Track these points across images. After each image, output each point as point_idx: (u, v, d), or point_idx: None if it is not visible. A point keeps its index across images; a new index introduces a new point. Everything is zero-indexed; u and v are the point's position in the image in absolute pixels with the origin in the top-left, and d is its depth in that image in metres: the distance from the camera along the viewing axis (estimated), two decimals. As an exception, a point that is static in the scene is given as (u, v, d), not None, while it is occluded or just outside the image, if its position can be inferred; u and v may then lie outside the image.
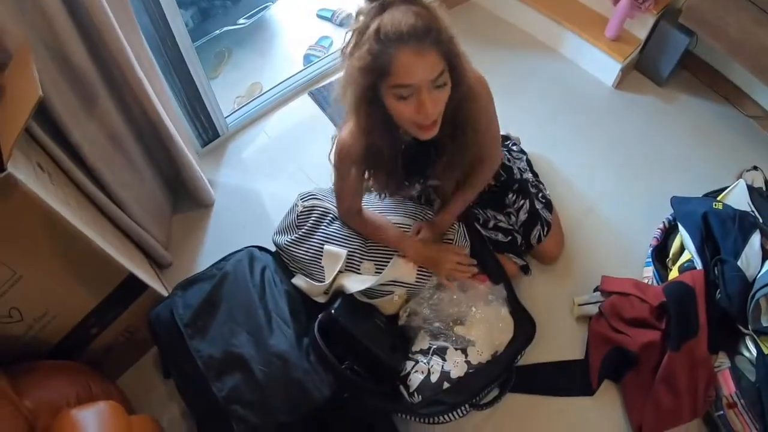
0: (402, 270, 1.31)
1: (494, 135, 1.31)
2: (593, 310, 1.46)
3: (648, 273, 1.52)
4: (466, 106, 1.09)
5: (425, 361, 1.26)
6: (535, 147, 1.90)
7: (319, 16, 2.54)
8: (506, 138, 1.80)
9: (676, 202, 1.51)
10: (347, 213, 1.35)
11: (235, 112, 2.03)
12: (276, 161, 1.93)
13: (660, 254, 1.54)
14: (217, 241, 1.71)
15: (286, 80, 2.14)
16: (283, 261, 1.43)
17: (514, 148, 1.75)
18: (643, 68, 2.13)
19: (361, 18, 0.94)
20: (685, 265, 1.37)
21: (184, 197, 1.79)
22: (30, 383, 1.04)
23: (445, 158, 1.23)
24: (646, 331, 1.30)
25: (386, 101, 0.98)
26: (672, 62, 1.98)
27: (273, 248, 1.48)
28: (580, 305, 1.51)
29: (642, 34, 2.01)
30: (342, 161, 1.18)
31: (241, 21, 2.30)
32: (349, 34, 0.97)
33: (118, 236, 1.38)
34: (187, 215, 1.78)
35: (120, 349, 1.38)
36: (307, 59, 2.29)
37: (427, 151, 1.23)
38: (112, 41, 1.19)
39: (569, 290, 1.57)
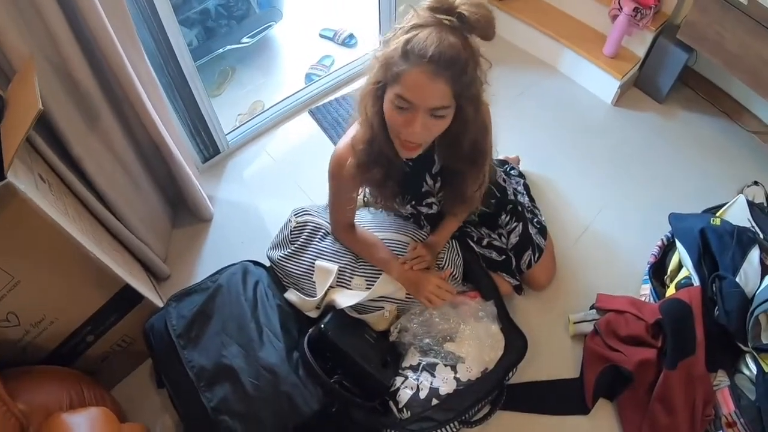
0: (391, 286, 1.31)
1: (489, 161, 1.31)
2: (589, 328, 1.45)
3: (645, 291, 1.50)
4: (471, 146, 1.10)
5: (415, 377, 1.25)
6: (533, 164, 1.91)
7: (322, 36, 2.59)
8: (503, 162, 1.81)
9: (674, 218, 1.50)
10: (339, 227, 1.36)
11: (235, 129, 2.07)
12: (275, 178, 1.95)
13: (658, 272, 1.52)
14: (215, 255, 1.72)
15: (286, 98, 2.18)
16: (277, 276, 1.44)
17: (513, 172, 1.76)
18: (643, 85, 2.13)
19: (414, 18, 0.93)
20: (683, 282, 1.36)
21: (184, 212, 1.82)
22: (24, 386, 1.05)
23: (442, 183, 1.25)
24: (642, 349, 1.28)
25: (384, 104, 0.99)
26: (671, 78, 1.98)
27: (268, 263, 1.49)
28: (575, 323, 1.49)
29: (641, 51, 2.02)
30: (337, 172, 1.19)
31: (245, 40, 2.36)
32: (397, 27, 0.96)
33: (116, 248, 1.40)
34: (187, 229, 1.81)
35: (116, 358, 1.39)
36: (309, 78, 2.33)
37: (421, 171, 1.24)
38: (112, 58, 1.23)
39: (565, 308, 1.56)
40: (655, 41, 1.96)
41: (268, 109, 2.15)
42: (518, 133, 2.04)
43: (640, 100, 2.14)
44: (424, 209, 1.35)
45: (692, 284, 1.32)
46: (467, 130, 1.04)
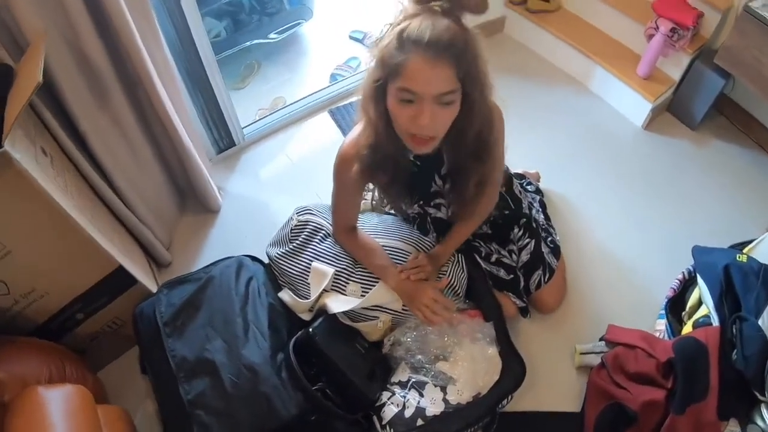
0: (387, 295, 1.25)
1: (499, 168, 1.26)
2: (596, 360, 1.36)
3: (660, 326, 1.40)
4: (484, 135, 1.05)
5: (402, 393, 1.19)
6: (553, 182, 1.83)
7: (351, 38, 2.57)
8: (521, 176, 1.74)
9: (697, 251, 1.40)
10: (340, 229, 1.31)
11: (253, 123, 2.06)
12: (287, 175, 1.93)
13: (676, 306, 1.43)
14: (219, 247, 1.71)
15: (308, 96, 2.16)
16: (273, 274, 1.40)
17: (529, 187, 1.70)
18: (676, 110, 2.04)
19: (403, 12, 0.92)
20: (701, 320, 1.26)
21: (193, 200, 1.81)
22: (5, 355, 1.05)
23: (450, 185, 1.19)
24: (650, 389, 1.19)
25: (388, 102, 0.95)
26: (706, 105, 1.88)
27: (267, 260, 1.45)
28: (582, 353, 1.41)
29: (676, 74, 1.93)
30: (343, 167, 1.15)
31: (272, 36, 2.36)
32: (386, 26, 0.95)
33: (116, 229, 1.40)
34: (194, 218, 1.80)
35: (105, 340, 1.38)
36: (333, 78, 2.32)
37: (430, 171, 1.19)
38: (126, 36, 1.22)
39: (572, 336, 1.47)
40: (691, 65, 1.88)
41: (288, 105, 2.14)
42: (541, 148, 1.97)
43: (671, 125, 2.04)
44: (432, 211, 1.30)
45: (711, 323, 1.23)
46: (473, 117, 0.98)
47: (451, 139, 1.04)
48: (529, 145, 1.97)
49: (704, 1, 1.77)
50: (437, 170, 1.19)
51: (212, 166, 1.92)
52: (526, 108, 2.10)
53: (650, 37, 1.85)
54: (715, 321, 1.22)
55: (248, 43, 2.31)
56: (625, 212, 1.78)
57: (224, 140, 1.95)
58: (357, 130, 1.11)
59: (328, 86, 2.20)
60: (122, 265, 1.24)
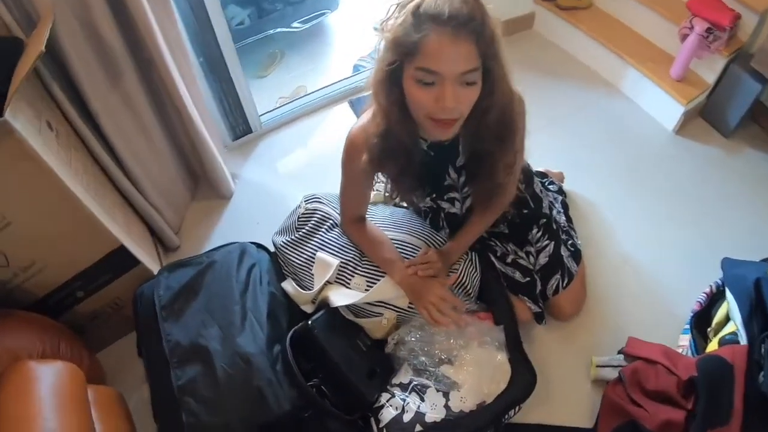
0: (393, 291, 1.20)
1: (520, 158, 1.17)
2: (612, 374, 1.27)
3: (684, 341, 1.31)
4: (507, 116, 0.99)
5: (402, 396, 1.13)
6: (578, 184, 1.75)
7: (377, 29, 2.51)
8: (543, 175, 1.67)
9: (727, 264, 1.31)
10: (348, 219, 1.27)
11: (271, 111, 2.04)
12: (303, 165, 1.90)
13: (701, 322, 1.33)
14: (228, 234, 1.68)
15: (329, 85, 2.13)
16: (279, 263, 1.36)
17: (551, 187, 1.62)
18: (709, 116, 1.93)
19: None
20: (727, 337, 1.17)
21: (205, 185, 1.80)
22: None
23: (468, 175, 1.13)
24: (669, 409, 1.10)
25: (405, 85, 0.89)
26: (741, 111, 1.78)
27: (273, 248, 1.42)
28: (598, 366, 1.32)
29: (710, 77, 1.83)
30: (352, 155, 1.09)
31: (296, 25, 2.34)
32: (393, 6, 0.88)
33: (123, 210, 1.39)
34: (205, 203, 1.78)
35: (106, 320, 1.36)
36: (356, 69, 2.28)
37: (443, 162, 1.13)
38: (138, 14, 1.21)
39: (589, 347, 1.39)
40: (726, 68, 1.77)
41: (308, 95, 2.11)
42: (567, 149, 1.89)
43: (703, 132, 1.94)
44: (445, 205, 1.24)
45: (738, 341, 1.13)
46: (495, 96, 0.92)
47: (472, 122, 0.97)
48: (554, 144, 1.89)
49: (741, 2, 1.67)
50: (452, 161, 1.13)
51: (227, 153, 1.91)
52: (553, 107, 2.02)
53: (684, 37, 1.75)
54: (743, 339, 1.13)
55: (271, 32, 2.30)
56: (652, 219, 1.69)
57: (241, 127, 1.93)
58: (366, 116, 1.05)
59: (350, 76, 2.17)
60: (124, 244, 1.22)
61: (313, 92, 2.11)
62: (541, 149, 1.82)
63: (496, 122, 0.98)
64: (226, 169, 1.74)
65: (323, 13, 2.42)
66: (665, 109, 1.90)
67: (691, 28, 1.70)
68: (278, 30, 2.32)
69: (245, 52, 2.26)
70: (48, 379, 0.95)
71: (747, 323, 1.13)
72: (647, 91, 1.94)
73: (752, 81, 1.69)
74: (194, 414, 1.01)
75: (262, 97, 2.05)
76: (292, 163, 1.91)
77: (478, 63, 0.85)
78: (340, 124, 2.02)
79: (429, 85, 0.86)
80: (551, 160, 1.77)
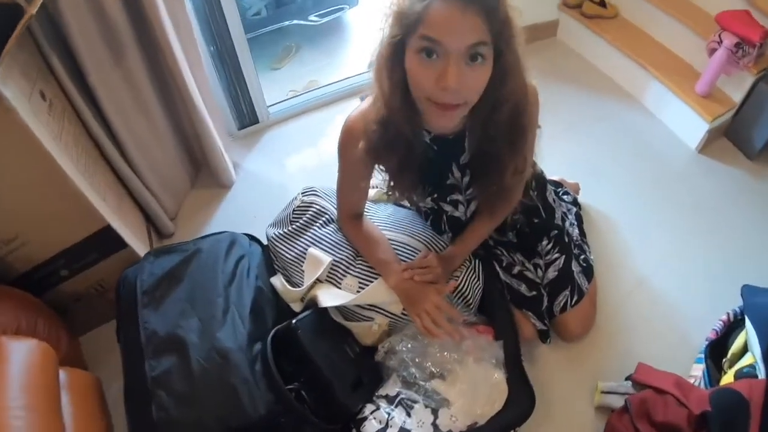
0: (386, 295, 1.12)
1: (530, 157, 1.09)
2: (618, 401, 1.19)
3: (697, 371, 1.22)
4: (510, 116, 0.90)
5: (387, 409, 1.05)
6: (594, 196, 1.68)
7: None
8: (557, 184, 1.59)
9: (747, 291, 1.22)
10: (344, 214, 1.20)
11: (280, 102, 2.00)
12: (308, 159, 1.85)
13: (716, 351, 1.24)
14: (225, 224, 1.63)
15: (340, 80, 2.08)
16: (271, 256, 1.30)
17: (565, 197, 1.54)
18: (734, 136, 1.85)
19: None
20: (745, 370, 1.08)
21: (206, 173, 1.75)
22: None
23: (472, 174, 1.06)
24: (676, 443, 1.02)
25: (407, 63, 0.81)
26: None
27: (266, 241, 1.36)
28: (603, 392, 1.24)
29: (737, 95, 1.75)
30: (348, 143, 1.02)
31: (313, 18, 2.30)
32: None
33: (115, 190, 1.35)
34: (204, 192, 1.74)
35: (90, 303, 1.32)
36: (371, 66, 2.22)
37: (447, 159, 1.06)
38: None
39: (595, 371, 1.30)
40: (754, 87, 1.69)
41: (319, 88, 2.06)
42: (584, 159, 1.81)
43: (728, 152, 1.85)
44: (447, 208, 1.17)
45: (756, 375, 1.04)
46: (507, 85, 0.84)
47: (480, 116, 0.90)
48: (571, 153, 1.82)
49: (772, 19, 1.60)
50: (456, 158, 1.05)
51: (232, 141, 1.87)
52: (572, 117, 1.96)
53: (712, 51, 1.68)
54: (762, 373, 1.04)
55: (287, 23, 2.26)
56: (669, 240, 1.61)
57: (248, 116, 1.89)
58: (367, 102, 0.98)
59: (363, 72, 2.11)
60: (111, 225, 1.18)
61: (324, 86, 2.06)
62: (557, 157, 1.76)
63: (507, 120, 0.90)
64: (227, 157, 1.69)
65: (342, 8, 2.38)
66: (689, 125, 1.82)
67: (720, 42, 1.63)
68: (294, 22, 2.28)
69: (260, 43, 2.24)
70: (19, 356, 0.91)
71: (766, 356, 1.05)
72: (671, 106, 1.86)
73: (781, 101, 1.61)
74: (165, 408, 0.95)
75: (273, 89, 2.01)
76: (297, 157, 1.86)
77: (488, 39, 0.77)
78: (349, 121, 1.97)
79: (431, 60, 0.78)
80: (567, 169, 1.70)
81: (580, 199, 1.64)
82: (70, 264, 1.20)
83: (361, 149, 0.98)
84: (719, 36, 1.64)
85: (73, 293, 1.27)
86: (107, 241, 1.21)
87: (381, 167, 1.07)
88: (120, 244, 1.24)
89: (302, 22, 2.30)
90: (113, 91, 1.27)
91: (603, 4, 2.06)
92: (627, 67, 1.99)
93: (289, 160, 1.85)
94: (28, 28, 1.05)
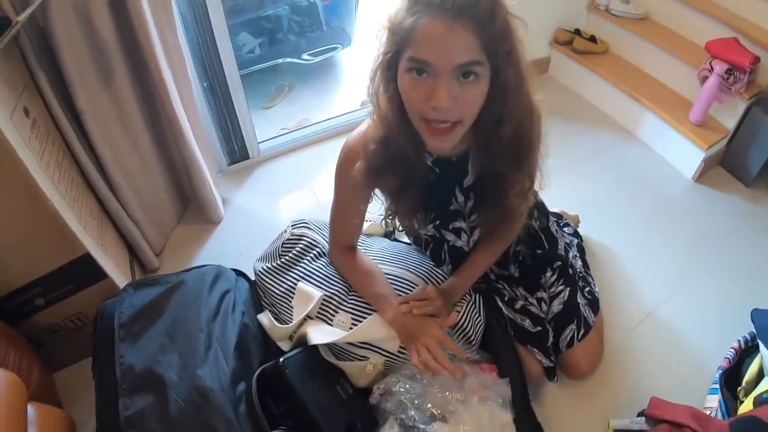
0: (382, 331, 1.05)
1: (532, 180, 1.03)
2: (633, 439, 1.11)
3: (712, 403, 1.16)
4: (514, 135, 0.86)
5: (384, 456, 0.96)
6: (595, 232, 1.65)
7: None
8: (558, 216, 1.55)
9: (757, 315, 1.18)
10: (337, 245, 1.15)
11: (271, 139, 1.99)
12: (298, 196, 1.83)
13: (731, 381, 1.18)
14: (212, 260, 1.51)
15: (331, 118, 2.08)
16: (258, 293, 1.24)
17: (566, 229, 1.51)
18: (729, 165, 1.86)
19: None
20: (764, 396, 1.02)
21: (195, 209, 1.71)
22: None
23: (476, 198, 1.02)
24: (699, 483, 0.94)
25: (399, 80, 0.79)
26: (763, 157, 1.71)
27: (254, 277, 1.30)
28: (616, 430, 1.16)
29: (730, 122, 1.77)
30: (346, 164, 0.98)
31: (306, 57, 2.33)
32: None
33: (100, 220, 1.30)
34: (191, 227, 1.69)
35: (67, 336, 1.25)
36: (365, 104, 2.24)
37: (450, 182, 1.02)
38: (137, 16, 1.17)
39: (606, 409, 1.23)
40: (747, 112, 1.71)
41: (310, 126, 2.06)
42: (582, 195, 1.79)
43: (724, 180, 1.86)
44: (450, 237, 1.11)
45: (776, 401, 0.98)
46: (509, 104, 0.80)
47: (482, 135, 0.87)
48: (569, 190, 1.79)
49: (761, 44, 1.64)
50: (459, 182, 1.01)
51: (221, 176, 1.84)
52: (568, 153, 1.96)
53: (704, 79, 1.71)
54: (783, 400, 0.97)
55: (280, 60, 2.29)
56: (672, 271, 1.57)
57: (239, 152, 1.87)
58: (365, 124, 0.95)
59: (354, 110, 2.12)
60: (90, 253, 1.12)
61: (317, 123, 2.06)
62: (555, 191, 1.69)
63: (511, 138, 0.86)
64: (216, 192, 1.66)
65: (335, 48, 2.42)
66: (684, 155, 1.82)
67: (711, 69, 1.66)
68: (288, 60, 2.31)
69: (253, 81, 2.25)
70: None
71: (787, 382, 0.98)
72: (665, 136, 1.87)
73: (774, 125, 1.61)
74: (137, 452, 0.87)
75: (264, 127, 2.01)
76: (287, 193, 1.83)
77: (480, 57, 0.74)
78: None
79: (422, 78, 0.75)
80: (566, 203, 1.67)
81: (581, 231, 1.60)
82: (46, 293, 1.14)
83: (360, 169, 0.94)
84: (710, 64, 1.67)
85: (49, 325, 1.20)
86: (86, 270, 1.15)
87: (381, 191, 1.03)
88: (100, 274, 1.18)
89: (295, 60, 2.33)
90: (101, 116, 1.25)
91: (593, 40, 2.11)
92: (620, 100, 2.01)
93: (278, 196, 1.82)
94: (17, 42, 1.04)
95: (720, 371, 1.20)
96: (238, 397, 0.96)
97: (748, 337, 1.24)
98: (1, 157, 0.92)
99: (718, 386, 1.17)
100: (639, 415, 1.15)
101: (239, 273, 1.28)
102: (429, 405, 1.01)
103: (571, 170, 1.88)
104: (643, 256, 1.60)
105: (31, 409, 0.91)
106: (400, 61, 0.77)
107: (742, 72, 1.61)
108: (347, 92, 2.44)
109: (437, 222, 1.09)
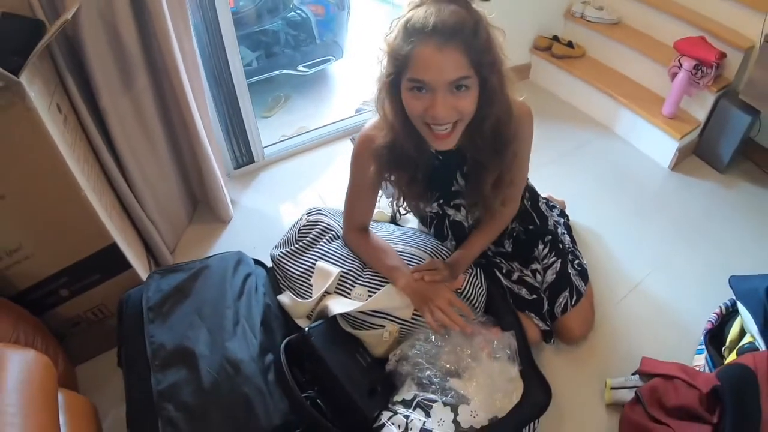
0: (396, 300, 1.14)
1: (523, 170, 1.20)
2: (629, 395, 1.20)
3: (699, 361, 1.25)
4: (503, 127, 1.00)
5: (405, 413, 1.03)
6: (580, 218, 1.76)
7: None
8: (546, 200, 1.66)
9: (735, 280, 1.28)
10: (351, 226, 1.24)
11: (275, 143, 2.07)
12: (303, 197, 1.90)
13: (715, 341, 1.28)
14: (225, 254, 1.63)
15: (331, 123, 2.17)
16: (276, 278, 1.31)
17: (554, 211, 1.62)
18: (703, 153, 2.00)
19: (410, 4, 0.91)
20: (746, 346, 1.12)
21: (205, 209, 1.78)
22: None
23: (467, 182, 1.14)
24: (694, 424, 1.02)
25: (402, 96, 0.93)
26: (733, 145, 1.84)
27: (270, 264, 1.37)
28: (613, 388, 1.25)
29: (701, 114, 1.91)
30: (360, 161, 1.11)
31: (301, 68, 2.43)
32: (394, 21, 0.93)
33: (120, 215, 1.35)
34: (202, 227, 1.75)
35: (88, 329, 1.29)
36: (359, 111, 2.34)
37: (451, 167, 1.14)
38: (159, 25, 1.25)
39: (601, 372, 1.32)
40: (716, 104, 1.85)
41: (310, 131, 2.15)
42: (567, 187, 1.90)
43: (699, 168, 2.00)
44: (451, 212, 1.23)
45: (757, 349, 1.08)
46: (492, 105, 0.94)
47: (469, 130, 0.99)
48: (554, 183, 1.89)
49: (726, 41, 1.78)
50: (459, 167, 1.14)
51: (228, 180, 1.91)
52: (552, 149, 2.08)
53: (674, 75, 1.85)
54: (762, 346, 1.08)
55: (277, 72, 2.38)
56: (655, 251, 1.68)
57: (245, 156, 1.95)
58: (375, 119, 1.07)
59: (349, 117, 2.22)
60: (116, 242, 1.17)
61: (316, 129, 2.16)
62: (540, 185, 1.81)
63: (491, 132, 0.99)
64: (227, 192, 1.73)
65: (328, 60, 2.53)
66: (660, 146, 1.95)
67: (680, 66, 1.80)
68: (284, 72, 2.41)
69: (251, 92, 2.31)
70: (17, 366, 0.86)
71: (764, 331, 1.10)
72: (641, 130, 2.00)
73: (741, 114, 1.76)
74: (173, 423, 0.91)
75: (264, 134, 2.07)
76: (292, 194, 1.91)
77: (469, 72, 0.87)
78: (341, 159, 2.04)
79: (421, 95, 0.89)
80: (551, 194, 1.77)
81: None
82: (71, 283, 1.18)
83: (372, 171, 1.07)
84: (679, 61, 1.80)
85: (72, 317, 1.24)
86: (111, 260, 1.20)
87: (390, 184, 1.15)
88: (124, 264, 1.23)
89: (291, 72, 2.44)
90: (122, 116, 1.31)
91: (571, 45, 2.26)
92: (597, 99, 2.14)
93: (284, 197, 1.89)
94: (48, 47, 1.10)
95: (704, 332, 1.30)
96: (266, 367, 1.02)
97: (729, 303, 1.34)
98: (42, 146, 0.97)
99: (703, 346, 1.26)
100: (633, 374, 1.24)
101: (257, 261, 1.35)
102: (443, 362, 1.09)
103: (556, 164, 2.00)
104: (626, 237, 1.71)
105: (60, 395, 0.94)
106: (401, 80, 0.91)
107: (708, 67, 1.74)
108: (341, 100, 2.55)
109: (441, 201, 1.21)
